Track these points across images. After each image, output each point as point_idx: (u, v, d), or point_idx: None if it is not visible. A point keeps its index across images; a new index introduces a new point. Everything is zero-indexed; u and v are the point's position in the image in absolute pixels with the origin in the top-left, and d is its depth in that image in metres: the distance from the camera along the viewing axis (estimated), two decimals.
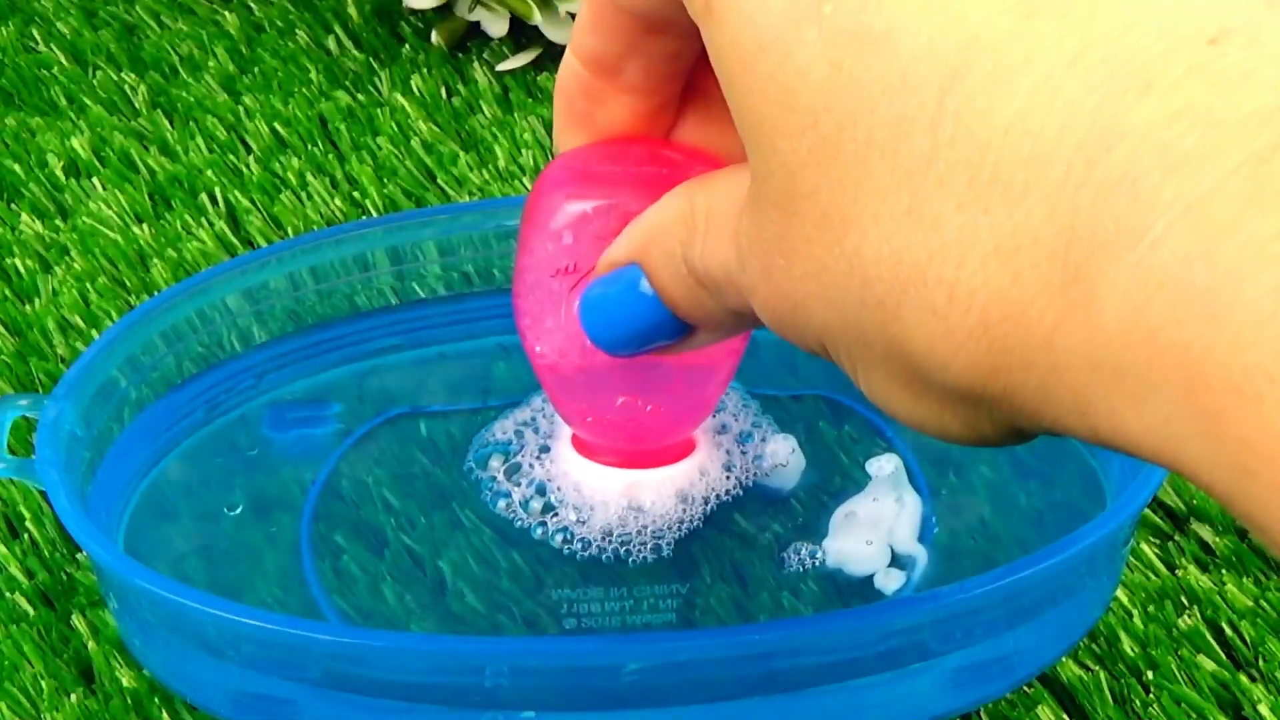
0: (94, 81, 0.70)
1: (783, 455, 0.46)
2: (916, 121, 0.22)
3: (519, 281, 0.36)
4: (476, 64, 0.70)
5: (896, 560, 0.43)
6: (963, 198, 0.22)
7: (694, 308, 0.29)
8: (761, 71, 0.24)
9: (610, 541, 0.42)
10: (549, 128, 0.65)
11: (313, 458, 0.46)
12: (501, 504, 0.45)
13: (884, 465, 0.45)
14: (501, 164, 0.63)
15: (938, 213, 0.22)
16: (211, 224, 0.60)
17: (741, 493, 0.44)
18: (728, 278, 0.28)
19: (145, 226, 0.61)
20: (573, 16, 0.68)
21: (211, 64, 0.71)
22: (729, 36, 0.25)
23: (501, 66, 0.69)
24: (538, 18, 0.67)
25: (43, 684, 0.43)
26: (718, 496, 0.44)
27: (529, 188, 0.62)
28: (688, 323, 0.30)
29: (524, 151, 0.64)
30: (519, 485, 0.45)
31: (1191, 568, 0.45)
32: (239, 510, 0.45)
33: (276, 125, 0.66)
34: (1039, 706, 0.41)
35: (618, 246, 0.30)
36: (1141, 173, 0.20)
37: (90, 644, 0.44)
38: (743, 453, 0.45)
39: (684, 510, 0.43)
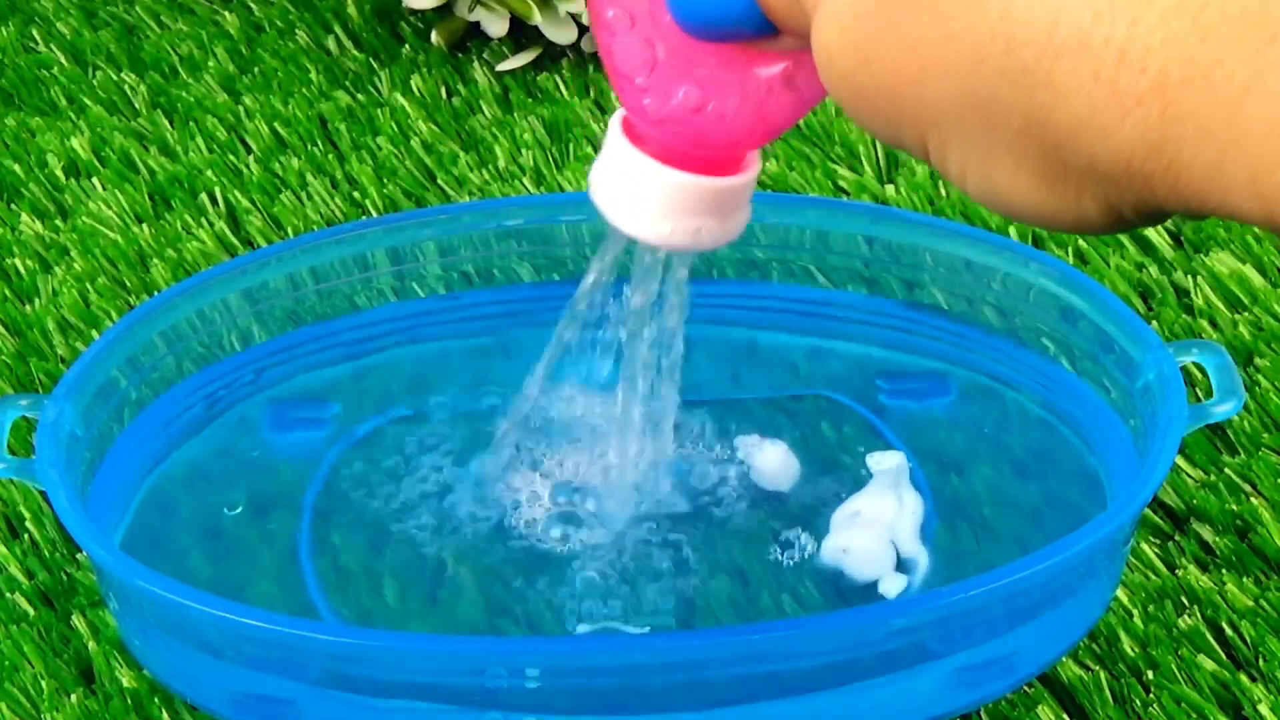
0: (94, 81, 0.70)
1: (774, 463, 0.46)
2: None
3: None
4: (476, 64, 0.70)
5: (897, 560, 0.43)
6: None
7: (786, 13, 0.27)
8: None
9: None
10: (549, 127, 0.65)
11: (312, 458, 0.46)
12: (504, 502, 0.45)
13: (884, 460, 0.45)
14: (501, 164, 0.63)
15: None
16: (211, 224, 0.60)
17: None
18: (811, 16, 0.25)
19: (145, 226, 0.61)
20: (573, 17, 0.68)
21: (211, 64, 0.71)
22: None
23: (501, 66, 0.69)
24: (538, 18, 0.67)
25: (43, 684, 0.43)
26: None
27: (529, 188, 0.62)
28: (774, 23, 0.27)
29: (524, 151, 0.64)
30: (524, 480, 0.45)
31: (1191, 568, 0.45)
32: (239, 510, 0.45)
33: (276, 125, 0.66)
34: (1039, 706, 0.41)
35: None
36: None
37: (90, 644, 0.44)
38: None
39: None
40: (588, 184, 0.35)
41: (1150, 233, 0.57)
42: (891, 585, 0.42)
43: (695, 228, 0.35)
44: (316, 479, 0.46)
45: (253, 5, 0.74)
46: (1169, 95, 0.21)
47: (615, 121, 0.35)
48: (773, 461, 0.46)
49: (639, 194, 0.34)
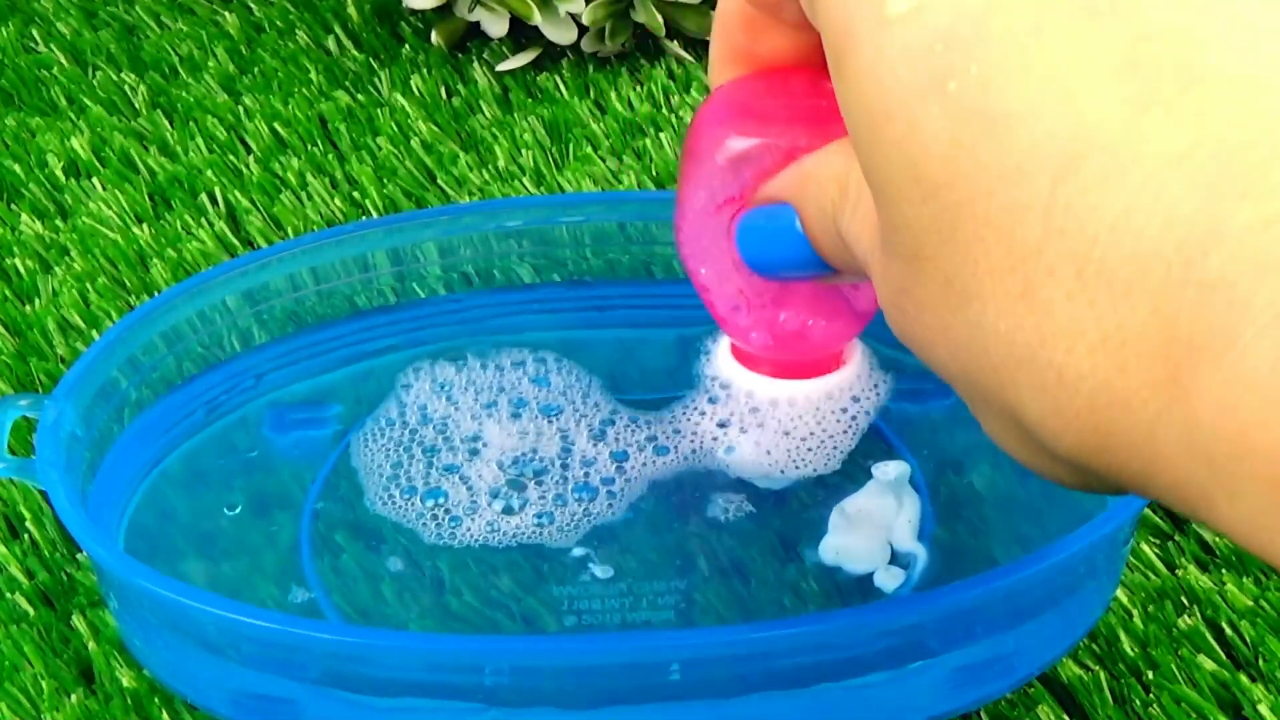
0: (94, 81, 0.70)
1: (763, 458, 0.46)
2: (1030, 209, 0.23)
3: (681, 212, 0.37)
4: (476, 64, 0.70)
5: (896, 559, 0.43)
6: (1071, 288, 0.23)
7: (837, 258, 0.31)
8: (887, 137, 0.25)
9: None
10: (549, 128, 0.65)
11: (313, 458, 0.46)
12: (501, 502, 0.45)
13: (889, 470, 0.45)
14: (501, 164, 0.63)
15: (1049, 299, 0.23)
16: (211, 224, 0.60)
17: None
18: (866, 260, 0.29)
19: (145, 226, 0.61)
20: (573, 16, 0.68)
21: (211, 64, 0.71)
22: (858, 97, 0.25)
23: (501, 66, 0.69)
24: (538, 18, 0.67)
25: (43, 684, 0.43)
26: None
27: (529, 188, 0.62)
28: (831, 266, 0.32)
29: (524, 151, 0.64)
30: (522, 480, 0.45)
31: (1191, 568, 0.45)
32: (239, 510, 0.45)
33: (276, 125, 0.66)
34: (1039, 706, 0.41)
35: (778, 183, 0.32)
36: (1236, 278, 0.21)
37: (90, 644, 0.44)
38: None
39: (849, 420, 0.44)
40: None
41: None
42: (888, 579, 0.42)
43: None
44: (317, 479, 0.46)
45: (253, 5, 0.74)
46: (1099, 415, 0.23)
47: (724, 350, 0.41)
48: (762, 457, 0.45)
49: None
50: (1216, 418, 0.22)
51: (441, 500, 0.45)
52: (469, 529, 0.44)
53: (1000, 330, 0.24)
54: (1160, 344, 0.22)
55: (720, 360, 0.40)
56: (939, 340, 0.26)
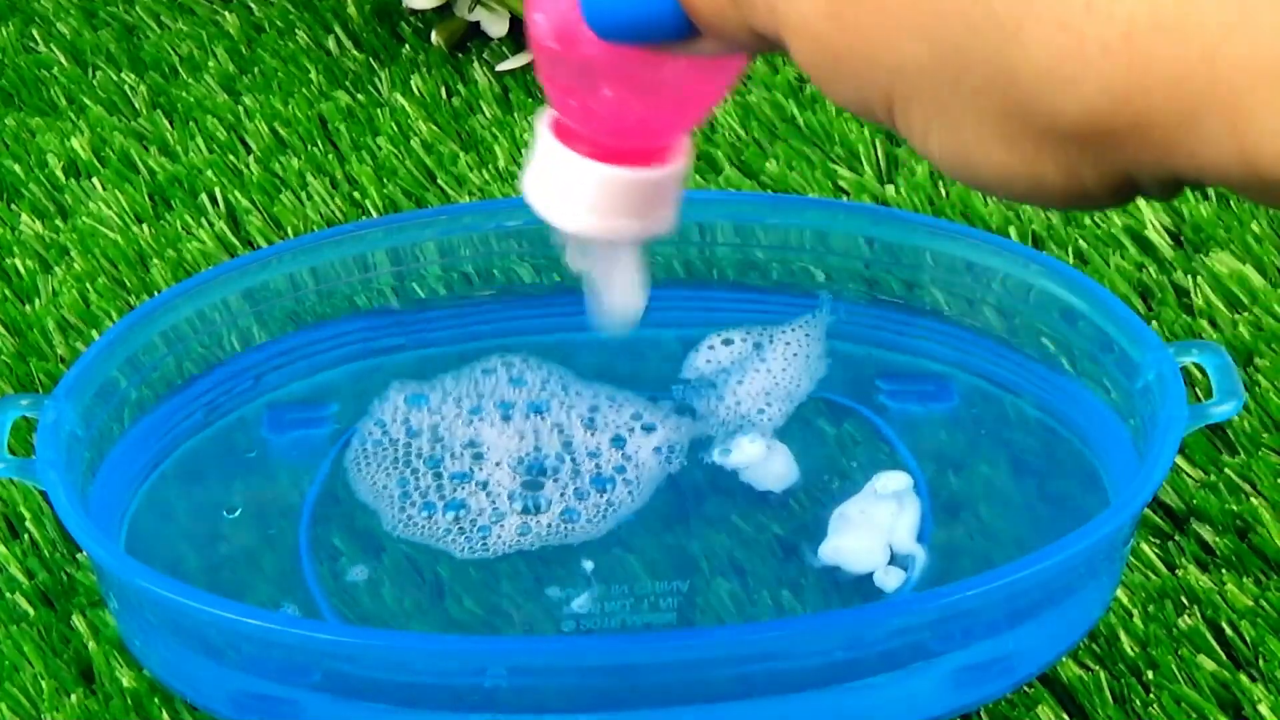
0: (94, 81, 0.70)
1: (770, 463, 0.46)
2: None
3: None
4: (476, 64, 0.70)
5: (896, 559, 0.43)
6: None
7: (710, 12, 0.26)
8: None
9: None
10: None
11: (311, 459, 0.47)
12: (505, 501, 0.45)
13: (890, 483, 0.45)
14: (501, 164, 0.63)
15: None
16: (211, 224, 0.60)
17: None
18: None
19: (145, 226, 0.61)
20: None
21: (211, 64, 0.71)
22: None
23: (501, 66, 0.69)
24: None
25: (43, 684, 0.43)
26: None
27: None
28: (696, 25, 0.27)
29: (524, 151, 0.64)
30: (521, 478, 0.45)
31: (1191, 568, 0.45)
32: (238, 512, 0.45)
33: (276, 125, 0.66)
34: (1039, 706, 0.41)
35: None
36: None
37: (90, 644, 0.44)
38: None
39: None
40: (522, 184, 0.36)
41: (1150, 233, 0.57)
42: (889, 578, 0.42)
43: (627, 221, 0.35)
44: (315, 480, 0.46)
45: (253, 5, 0.74)
46: (1138, 43, 0.20)
47: (545, 120, 0.35)
48: (769, 461, 0.46)
49: (575, 191, 0.34)
50: None
51: (443, 501, 0.45)
52: (469, 530, 0.44)
53: None
54: None
55: (541, 132, 0.35)
56: (900, 20, 0.22)
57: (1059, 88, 0.21)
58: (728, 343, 0.49)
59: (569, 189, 0.34)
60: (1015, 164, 0.23)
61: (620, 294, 0.37)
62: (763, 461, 0.46)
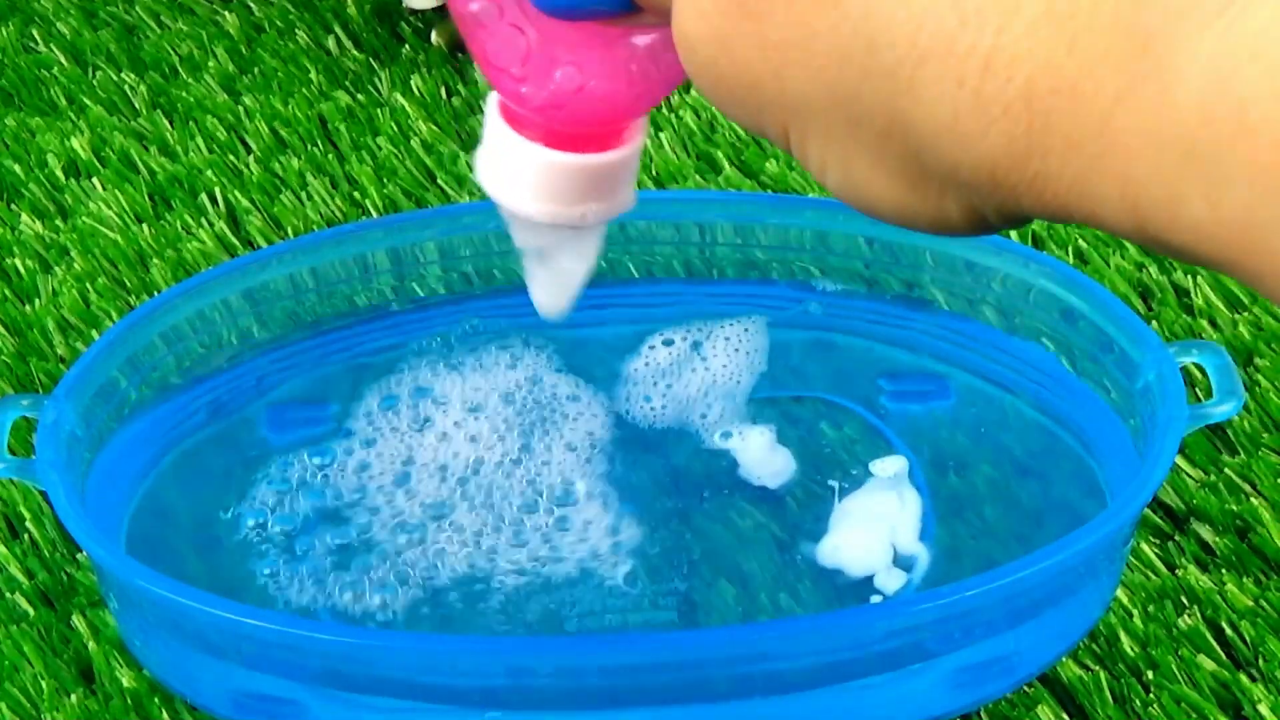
0: (94, 81, 0.70)
1: (767, 460, 0.46)
2: None
3: None
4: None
5: (897, 559, 0.43)
6: None
7: None
8: None
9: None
10: None
11: (310, 459, 0.47)
12: (505, 500, 0.45)
13: (887, 466, 0.45)
14: None
15: None
16: (211, 224, 0.60)
17: None
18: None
19: (145, 226, 0.61)
20: None
21: (211, 64, 0.71)
22: None
23: None
24: None
25: (43, 684, 0.43)
26: None
27: None
28: (633, 1, 0.27)
29: None
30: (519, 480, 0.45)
31: (1191, 568, 0.45)
32: (237, 512, 0.45)
33: (276, 125, 0.66)
34: (1039, 706, 0.41)
35: None
36: None
37: (90, 644, 0.44)
38: None
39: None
40: (476, 170, 0.35)
41: None
42: (889, 580, 0.42)
43: (583, 207, 0.34)
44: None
45: (253, 5, 0.74)
46: (1036, 105, 0.20)
47: (493, 106, 0.34)
48: (766, 458, 0.46)
49: (528, 178, 0.34)
50: (1204, 95, 0.18)
51: (444, 500, 0.45)
52: (470, 529, 0.44)
53: (899, 20, 0.20)
54: (1126, 10, 0.19)
55: (490, 119, 0.34)
56: (794, 60, 0.22)
57: (958, 142, 0.21)
58: (668, 343, 0.49)
59: (524, 177, 0.33)
60: (918, 203, 0.23)
61: (565, 275, 0.37)
62: (762, 457, 0.46)
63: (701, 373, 0.49)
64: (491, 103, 0.34)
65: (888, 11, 0.21)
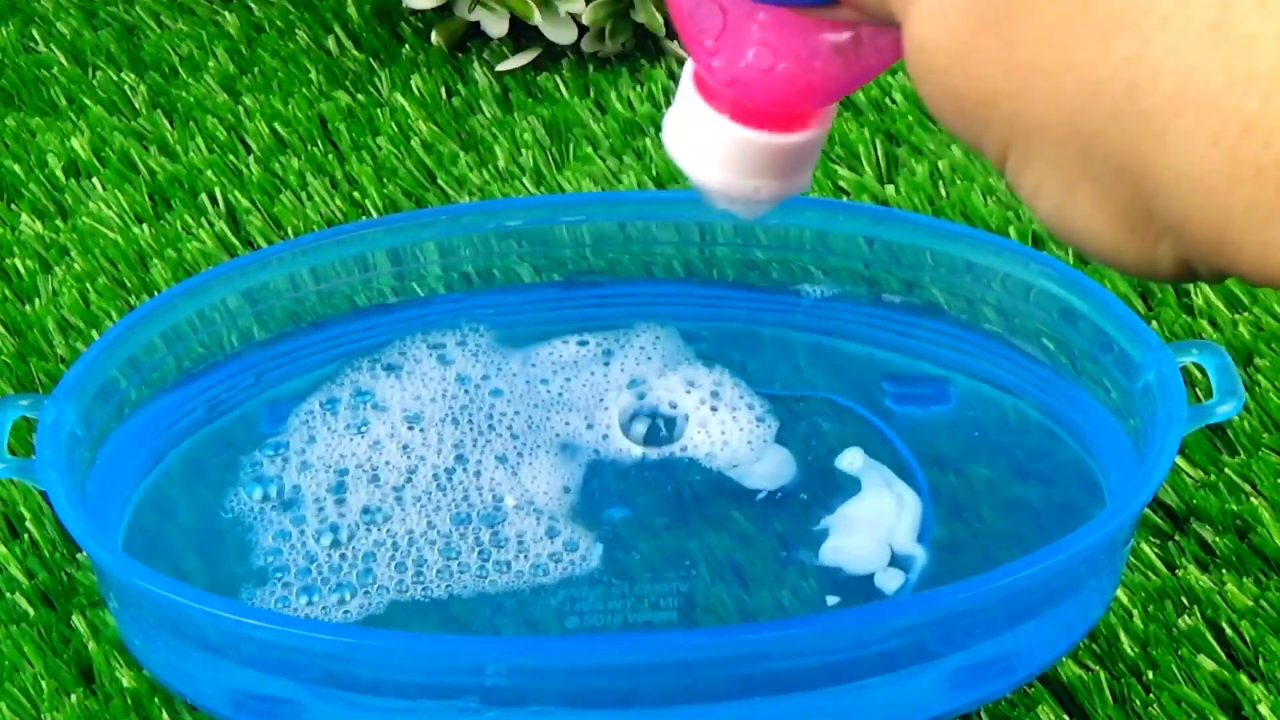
0: (94, 81, 0.70)
1: (767, 460, 0.46)
2: None
3: None
4: (476, 64, 0.70)
5: (896, 560, 0.43)
6: None
7: None
8: None
9: None
10: (549, 127, 0.65)
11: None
12: (504, 500, 0.45)
13: (852, 460, 0.45)
14: (501, 164, 0.63)
15: (1253, 34, 0.20)
16: (211, 224, 0.60)
17: None
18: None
19: (145, 226, 0.61)
20: (573, 16, 0.68)
21: (211, 64, 0.71)
22: None
23: (501, 66, 0.69)
24: (538, 18, 0.67)
25: (43, 684, 0.43)
26: None
27: (529, 188, 0.62)
28: None
29: (524, 151, 0.64)
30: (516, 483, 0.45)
31: (1191, 568, 0.45)
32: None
33: (276, 125, 0.66)
34: (1039, 706, 0.41)
35: None
36: None
37: (90, 644, 0.44)
38: None
39: None
40: (663, 132, 0.36)
41: None
42: (888, 580, 0.42)
43: (758, 182, 0.35)
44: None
45: (253, 5, 0.74)
46: None
47: (688, 72, 0.35)
48: (766, 459, 0.46)
49: (709, 146, 0.34)
50: None
51: (444, 499, 0.45)
52: (470, 527, 0.44)
53: (1164, 68, 0.21)
54: None
55: (683, 83, 0.34)
56: (1041, 84, 0.22)
57: (1198, 196, 0.21)
58: (582, 344, 0.50)
59: (705, 145, 0.34)
60: (1133, 246, 0.23)
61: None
62: (755, 460, 0.46)
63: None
64: (687, 68, 0.34)
65: (1156, 58, 0.21)
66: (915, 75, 0.24)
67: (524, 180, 0.62)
